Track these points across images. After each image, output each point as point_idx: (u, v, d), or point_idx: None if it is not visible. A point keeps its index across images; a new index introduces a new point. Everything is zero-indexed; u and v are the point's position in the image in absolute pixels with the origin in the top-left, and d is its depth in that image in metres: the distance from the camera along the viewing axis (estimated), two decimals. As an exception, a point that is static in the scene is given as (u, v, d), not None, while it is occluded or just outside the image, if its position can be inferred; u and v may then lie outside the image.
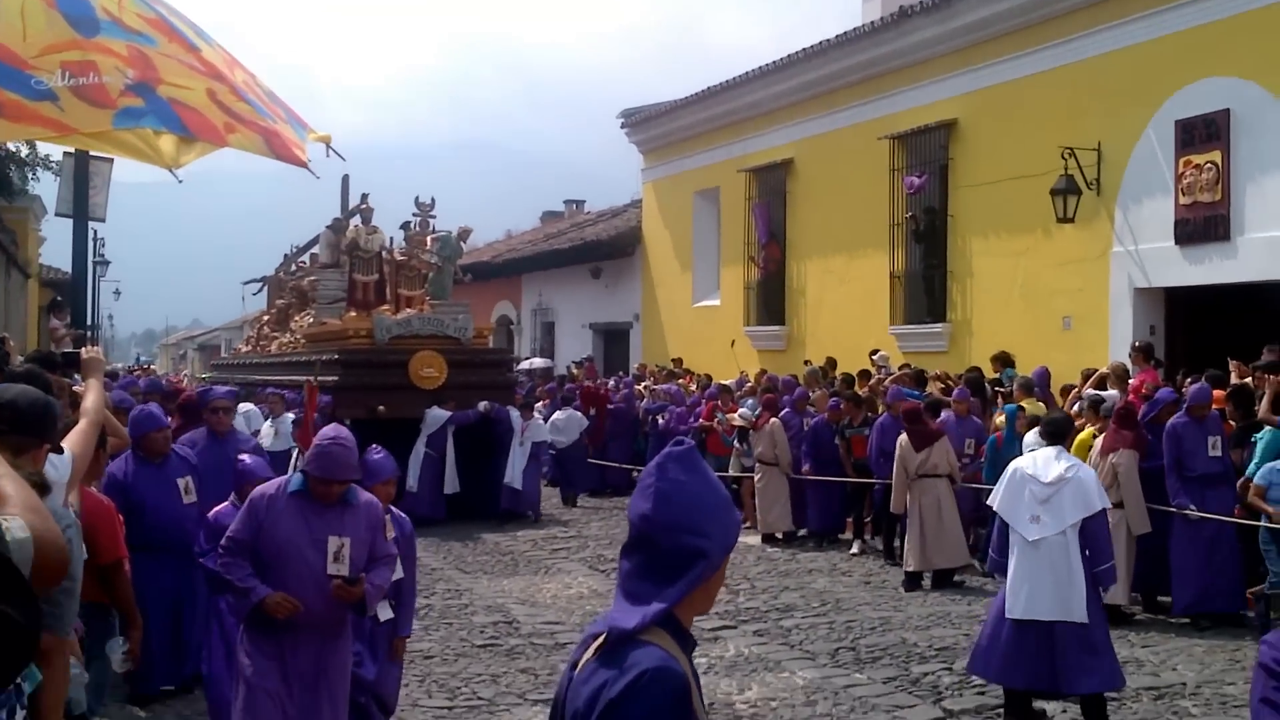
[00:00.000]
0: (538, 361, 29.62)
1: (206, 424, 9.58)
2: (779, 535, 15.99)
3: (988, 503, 8.89)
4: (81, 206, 14.55)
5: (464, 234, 20.40)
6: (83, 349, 5.96)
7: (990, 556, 8.84)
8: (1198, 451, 11.33)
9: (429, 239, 20.04)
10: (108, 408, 10.80)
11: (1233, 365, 13.43)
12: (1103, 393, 13.15)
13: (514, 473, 18.07)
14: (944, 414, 14.04)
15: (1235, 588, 11.18)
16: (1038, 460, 8.42)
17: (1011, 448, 12.86)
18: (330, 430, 5.83)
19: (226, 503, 6.91)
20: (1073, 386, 14.39)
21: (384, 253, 19.93)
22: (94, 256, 34.90)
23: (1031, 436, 12.02)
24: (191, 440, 9.37)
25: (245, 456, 7.26)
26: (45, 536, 2.92)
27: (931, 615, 11.44)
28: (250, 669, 5.69)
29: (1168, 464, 11.36)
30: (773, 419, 16.24)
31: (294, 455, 11.49)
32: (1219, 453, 11.37)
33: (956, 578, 13.01)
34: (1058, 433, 8.93)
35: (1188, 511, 11.18)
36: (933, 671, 9.36)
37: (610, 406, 21.81)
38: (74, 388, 6.59)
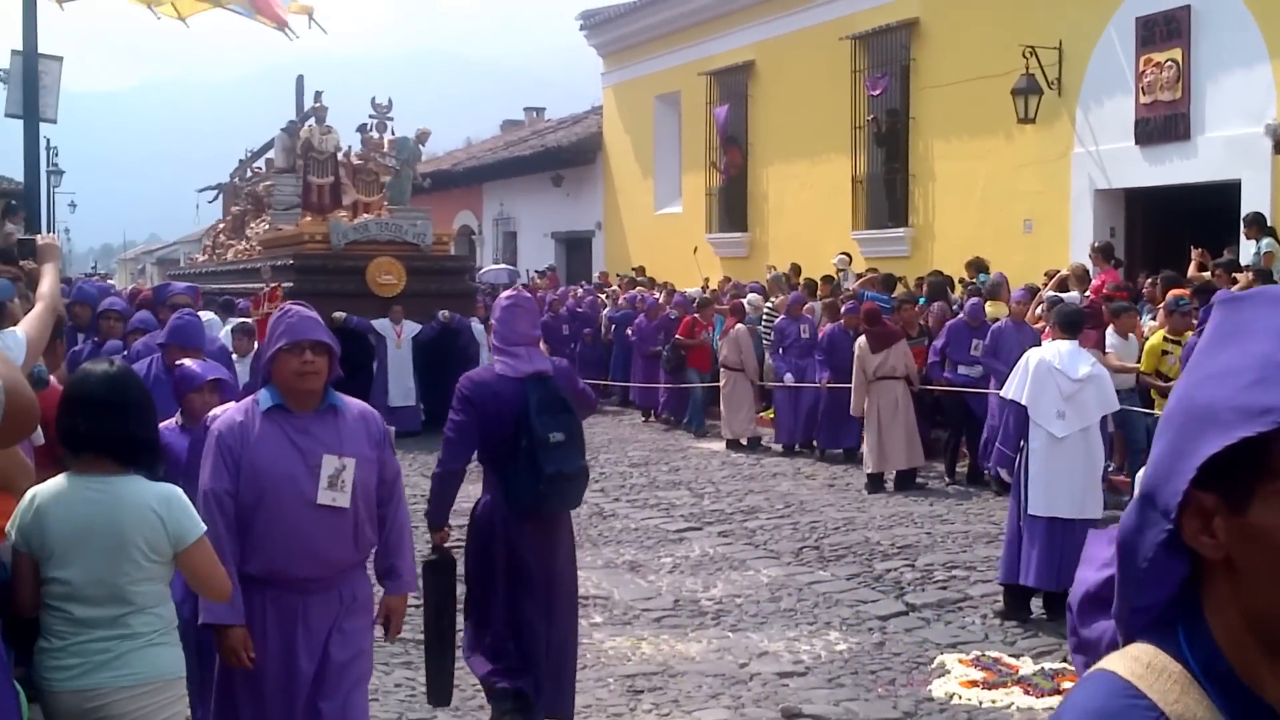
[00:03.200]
0: (501, 269, 29.35)
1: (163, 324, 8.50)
2: (744, 441, 16.03)
3: (1003, 394, 8.48)
4: (32, 106, 14.20)
5: (422, 136, 19.98)
6: (38, 235, 5.74)
7: (1000, 451, 8.46)
8: None
9: (386, 142, 19.69)
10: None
11: (1195, 253, 13.52)
12: (1062, 294, 13.22)
13: None
14: (1002, 320, 12.81)
15: None
16: (1062, 354, 8.15)
17: None
18: (281, 308, 4.74)
19: (170, 421, 5.59)
20: (1038, 288, 14.41)
21: (339, 155, 19.57)
22: (47, 165, 34.30)
23: (1114, 336, 11.70)
24: (147, 343, 8.14)
25: (187, 360, 5.97)
26: (16, 387, 2.93)
27: (894, 515, 11.57)
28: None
29: None
30: (738, 324, 16.25)
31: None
32: None
33: (919, 479, 13.13)
34: (1074, 324, 8.51)
35: None
36: (895, 568, 9.48)
37: (579, 311, 21.67)
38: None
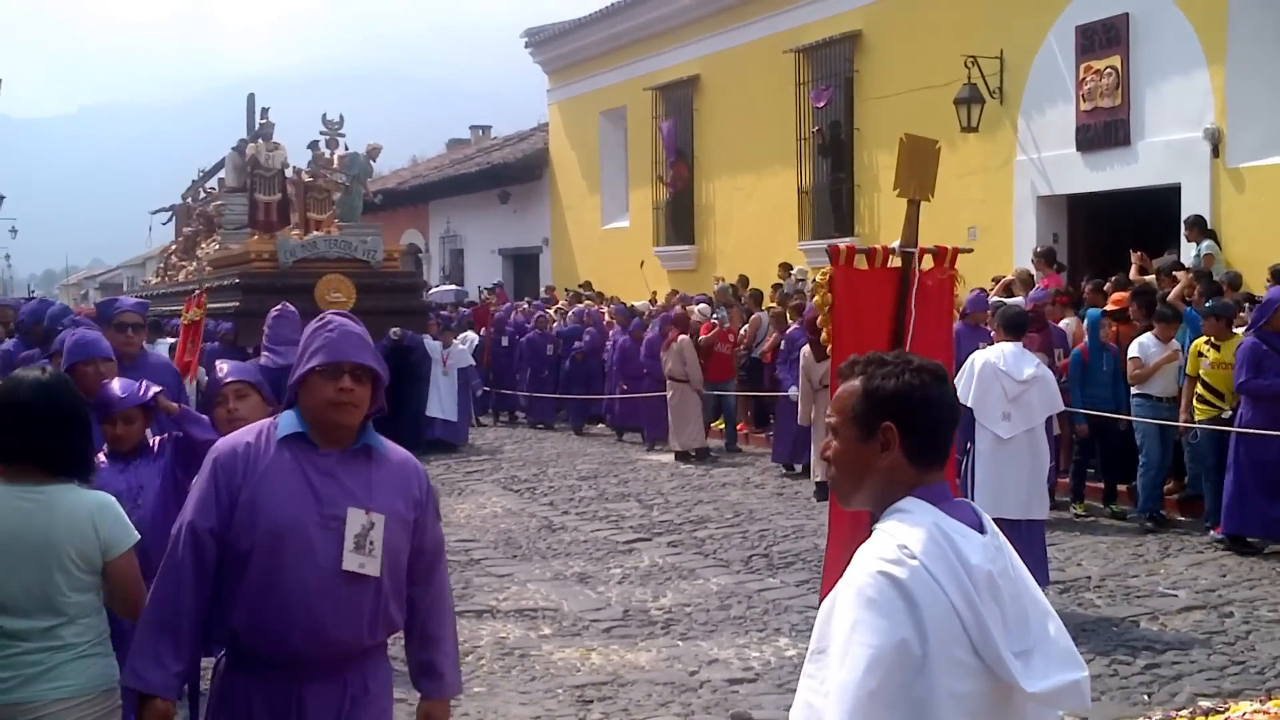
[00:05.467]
0: (447, 290, 29.15)
1: (113, 345, 7.28)
2: (692, 453, 15.96)
3: None
4: None
5: (373, 152, 19.69)
6: None
7: None
8: None
9: (337, 158, 19.47)
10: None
11: (1135, 257, 13.62)
12: (1007, 299, 13.27)
13: (442, 405, 17.48)
14: (958, 324, 12.20)
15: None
16: (1006, 355, 8.24)
17: (1100, 360, 11.58)
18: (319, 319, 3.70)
19: (99, 454, 4.81)
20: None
21: (288, 172, 19.32)
22: (-14, 191, 33.80)
23: (1148, 338, 11.11)
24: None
25: (114, 383, 5.10)
26: None
27: (843, 522, 11.54)
28: None
29: None
30: (681, 335, 16.20)
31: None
32: None
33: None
34: (1018, 326, 8.61)
35: None
36: (845, 574, 9.43)
37: (526, 337, 21.15)
38: None
